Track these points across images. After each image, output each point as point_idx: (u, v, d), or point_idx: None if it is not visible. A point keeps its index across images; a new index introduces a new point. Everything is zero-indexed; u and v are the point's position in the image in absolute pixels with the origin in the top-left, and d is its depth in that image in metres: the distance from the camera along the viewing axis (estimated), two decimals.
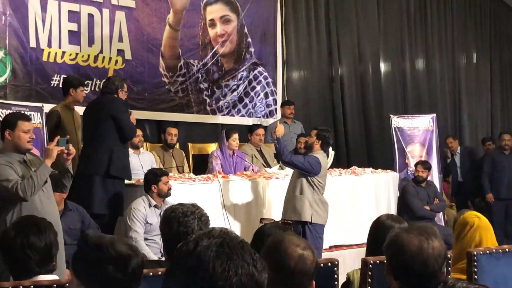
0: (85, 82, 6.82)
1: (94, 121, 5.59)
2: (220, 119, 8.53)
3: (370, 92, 10.17)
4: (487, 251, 3.31)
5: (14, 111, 5.17)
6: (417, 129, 8.60)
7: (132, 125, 5.64)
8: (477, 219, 3.68)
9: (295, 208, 5.77)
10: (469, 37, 11.76)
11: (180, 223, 2.91)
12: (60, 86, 6.51)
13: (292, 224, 5.45)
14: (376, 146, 9.96)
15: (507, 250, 3.41)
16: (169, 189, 5.41)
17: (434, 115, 8.86)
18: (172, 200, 5.45)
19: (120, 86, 5.67)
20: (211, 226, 1.70)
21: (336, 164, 8.10)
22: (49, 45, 6.93)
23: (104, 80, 6.38)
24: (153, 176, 5.38)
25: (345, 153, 9.65)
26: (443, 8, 11.32)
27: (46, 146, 5.55)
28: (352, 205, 7.11)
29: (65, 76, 6.73)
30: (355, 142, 9.86)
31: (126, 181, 5.87)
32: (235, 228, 6.07)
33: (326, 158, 6.02)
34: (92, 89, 7.17)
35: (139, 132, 6.71)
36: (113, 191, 5.49)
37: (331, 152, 6.85)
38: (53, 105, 6.19)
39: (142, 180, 5.54)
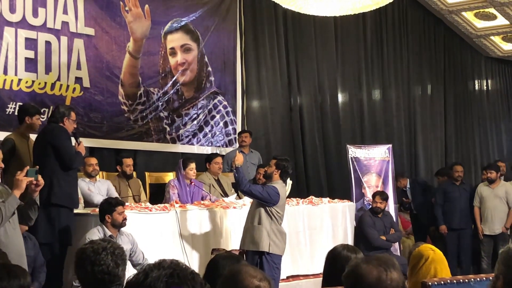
0: (42, 110, 6.73)
1: (38, 150, 5.57)
2: (179, 148, 8.48)
3: (329, 122, 10.28)
4: (442, 282, 3.33)
5: None
6: (373, 159, 8.72)
7: (73, 153, 5.56)
8: (432, 252, 3.69)
9: (253, 238, 5.76)
10: (424, 68, 12.02)
11: (93, 263, 2.79)
12: (16, 113, 6.42)
13: (244, 254, 5.47)
14: (335, 175, 10.04)
15: (461, 280, 3.42)
16: (124, 219, 5.31)
17: (390, 145, 9.00)
18: (128, 230, 5.40)
19: (66, 115, 5.62)
20: (164, 257, 1.69)
21: (295, 193, 8.13)
22: (5, 72, 6.81)
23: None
24: (108, 206, 5.31)
25: (304, 182, 9.70)
26: (398, 40, 11.57)
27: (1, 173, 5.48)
28: (309, 234, 7.12)
29: (21, 103, 6.64)
30: (314, 171, 9.91)
31: (80, 211, 5.83)
32: (193, 258, 6.03)
33: (285, 188, 6.04)
34: (49, 117, 7.06)
35: (94, 160, 6.65)
36: (59, 220, 5.42)
37: (289, 182, 6.87)
38: (8, 133, 6.08)
39: (97, 210, 5.45)
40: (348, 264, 2.33)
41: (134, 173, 7.31)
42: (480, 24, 11.83)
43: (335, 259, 3.17)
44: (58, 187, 5.42)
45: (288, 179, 6.29)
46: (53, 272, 5.27)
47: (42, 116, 6.34)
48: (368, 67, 11.01)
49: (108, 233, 5.27)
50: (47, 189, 5.34)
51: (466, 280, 3.45)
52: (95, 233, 5.24)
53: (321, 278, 3.33)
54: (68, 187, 5.53)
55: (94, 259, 2.80)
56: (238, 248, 5.86)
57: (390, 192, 8.50)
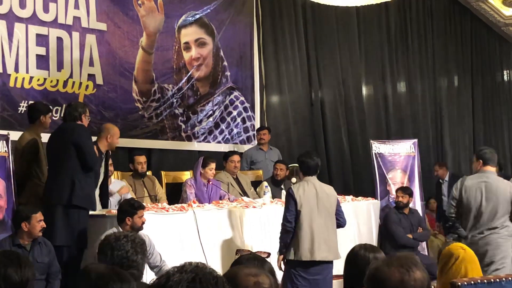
0: (54, 109, 6.73)
1: (56, 150, 5.46)
2: (195, 145, 8.36)
3: (352, 116, 10.11)
4: (472, 282, 3.31)
5: None
6: (398, 155, 8.43)
7: (95, 154, 5.51)
8: (462, 251, 3.63)
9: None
10: (450, 59, 11.84)
11: (113, 248, 3.07)
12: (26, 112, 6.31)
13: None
14: (361, 172, 9.81)
15: (492, 280, 3.40)
16: (143, 223, 5.20)
17: (416, 140, 8.73)
18: (145, 231, 5.24)
19: (83, 112, 5.58)
20: (182, 260, 1.65)
21: None
22: (16, 70, 6.76)
23: (65, 107, 6.18)
24: (130, 208, 5.17)
25: (327, 180, 9.42)
26: (423, 29, 11.40)
27: (12, 175, 5.30)
28: None
29: (32, 102, 6.52)
30: (338, 168, 9.75)
31: (96, 212, 5.70)
32: (213, 259, 5.87)
33: (303, 183, 5.54)
34: (62, 115, 6.92)
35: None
36: (78, 222, 5.33)
37: None
38: (20, 133, 5.91)
39: (113, 211, 5.37)
40: (369, 267, 2.28)
41: (149, 172, 7.19)
42: (508, 11, 11.67)
43: (354, 260, 3.14)
44: (79, 188, 5.33)
45: None
46: (70, 276, 5.11)
47: (55, 115, 6.19)
48: (392, 59, 10.85)
49: None
50: (69, 190, 5.28)
51: (498, 280, 3.42)
52: None
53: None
54: (88, 188, 5.45)
55: (115, 244, 3.08)
56: (260, 249, 5.62)
57: (416, 189, 8.23)
